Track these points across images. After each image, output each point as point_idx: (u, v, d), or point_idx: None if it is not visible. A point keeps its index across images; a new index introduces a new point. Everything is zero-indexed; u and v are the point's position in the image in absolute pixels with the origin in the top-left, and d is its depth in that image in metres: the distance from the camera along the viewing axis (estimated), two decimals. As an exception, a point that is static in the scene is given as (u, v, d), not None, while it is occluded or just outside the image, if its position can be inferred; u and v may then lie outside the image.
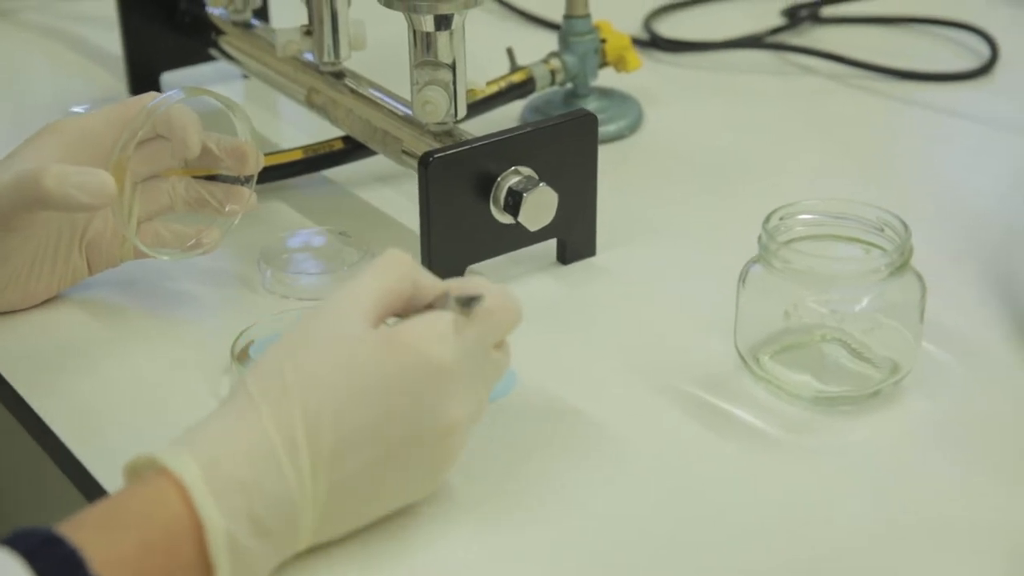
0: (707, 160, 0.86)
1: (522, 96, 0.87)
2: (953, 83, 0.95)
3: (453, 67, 0.72)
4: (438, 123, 0.73)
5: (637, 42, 1.00)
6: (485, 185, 0.70)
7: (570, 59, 0.87)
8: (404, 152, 0.74)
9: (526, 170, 0.70)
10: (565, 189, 0.72)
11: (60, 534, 0.50)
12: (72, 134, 0.69)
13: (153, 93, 0.70)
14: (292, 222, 0.79)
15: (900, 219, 0.63)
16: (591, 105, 0.88)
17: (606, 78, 0.92)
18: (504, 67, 0.88)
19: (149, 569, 0.51)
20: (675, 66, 0.99)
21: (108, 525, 0.51)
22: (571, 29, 0.87)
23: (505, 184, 0.69)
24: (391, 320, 0.57)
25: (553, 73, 0.87)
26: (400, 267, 0.58)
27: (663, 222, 0.78)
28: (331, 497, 0.54)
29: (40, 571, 0.49)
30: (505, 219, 0.70)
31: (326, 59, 0.80)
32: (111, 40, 0.97)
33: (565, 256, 0.75)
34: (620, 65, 0.89)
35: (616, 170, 0.83)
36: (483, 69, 0.88)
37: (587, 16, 0.87)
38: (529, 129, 0.71)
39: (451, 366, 0.55)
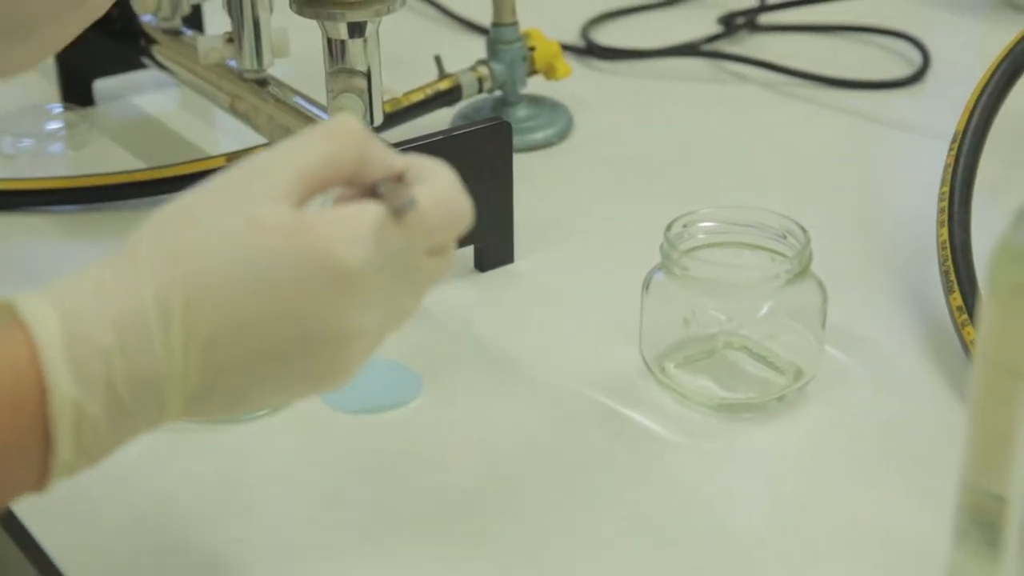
0: (634, 168, 0.86)
1: (450, 104, 0.88)
2: (885, 90, 0.95)
3: (368, 74, 0.72)
4: (355, 130, 0.73)
5: (573, 49, 1.00)
6: (401, 192, 0.70)
7: (498, 67, 0.88)
8: (321, 159, 0.74)
9: (440, 177, 0.70)
10: (481, 196, 0.71)
11: None
12: None
13: None
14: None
15: (800, 226, 0.63)
16: (520, 113, 0.89)
17: (538, 86, 0.92)
18: (432, 71, 0.88)
19: None
20: (611, 74, 1.00)
21: None
22: (499, 37, 0.87)
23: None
24: (321, 198, 0.51)
25: (480, 81, 0.87)
26: (345, 136, 0.51)
27: (584, 229, 0.79)
28: (203, 381, 0.48)
29: None
30: (417, 226, 0.70)
31: (249, 66, 0.80)
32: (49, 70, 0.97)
33: (482, 263, 0.75)
34: (550, 73, 0.90)
35: (542, 177, 0.83)
36: (414, 74, 0.89)
37: (515, 24, 0.88)
38: (442, 136, 0.71)
39: (360, 272, 0.48)
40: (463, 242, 0.73)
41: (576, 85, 0.94)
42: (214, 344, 0.48)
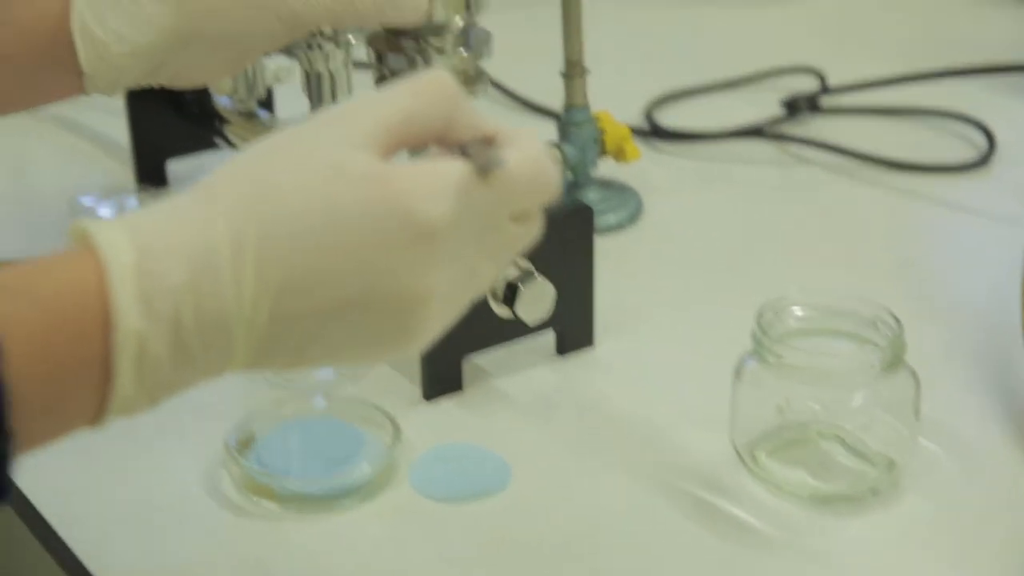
0: (706, 251, 0.86)
1: (522, 186, 0.88)
2: (951, 174, 0.95)
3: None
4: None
5: (637, 131, 1.00)
6: (483, 277, 0.70)
7: (570, 149, 0.88)
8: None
9: (523, 262, 0.70)
10: (562, 281, 0.72)
11: None
12: None
13: None
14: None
15: (893, 314, 0.63)
16: (591, 195, 0.89)
17: (605, 168, 0.92)
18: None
19: (50, 352, 0.45)
20: (675, 156, 1.00)
21: (20, 294, 0.45)
22: (571, 119, 0.88)
23: (502, 278, 0.70)
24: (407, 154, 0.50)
25: (553, 164, 0.88)
26: (437, 92, 0.49)
27: (662, 313, 0.79)
28: (270, 330, 0.47)
29: None
30: (503, 312, 0.70)
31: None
32: (118, 128, 0.98)
33: (563, 347, 0.75)
34: (619, 156, 0.90)
35: (615, 260, 0.83)
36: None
37: (586, 106, 0.88)
38: (526, 222, 0.71)
39: (438, 229, 0.47)
40: (545, 325, 0.73)
41: (641, 167, 0.94)
42: (284, 290, 0.47)
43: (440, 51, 0.71)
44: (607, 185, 0.91)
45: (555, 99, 0.90)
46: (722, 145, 1.01)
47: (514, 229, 0.51)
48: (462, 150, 0.49)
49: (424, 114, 0.49)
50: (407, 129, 0.49)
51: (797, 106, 1.03)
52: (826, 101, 1.05)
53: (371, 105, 0.49)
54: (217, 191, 0.47)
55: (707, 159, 0.99)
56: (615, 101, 0.94)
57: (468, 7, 0.72)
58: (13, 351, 0.44)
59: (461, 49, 0.72)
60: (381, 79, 0.72)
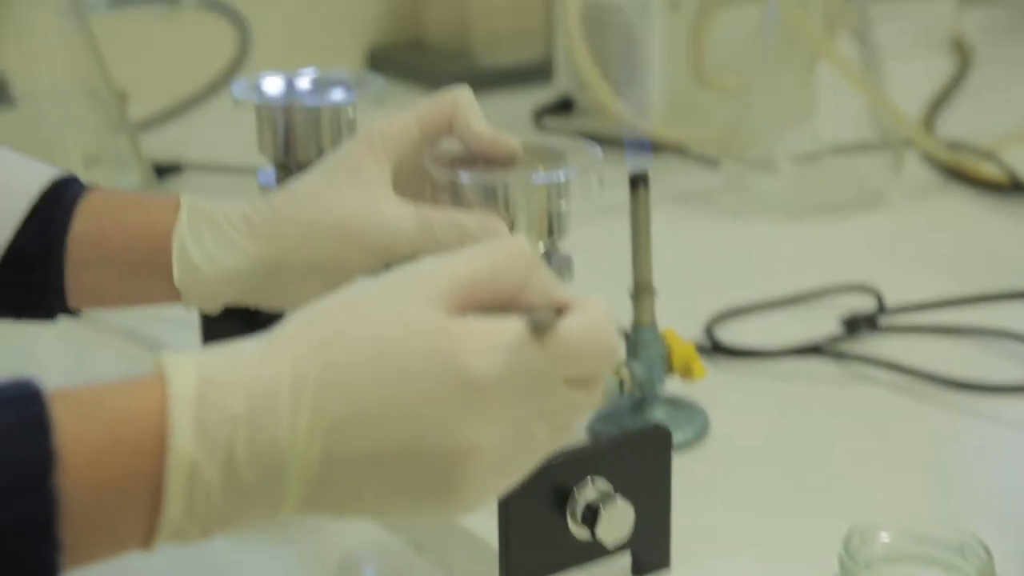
0: (776, 471, 0.86)
1: (590, 403, 0.89)
2: (1017, 395, 0.96)
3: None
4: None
5: (699, 348, 1.01)
6: (560, 496, 0.70)
7: (638, 367, 0.89)
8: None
9: (602, 483, 0.71)
10: (639, 502, 0.72)
11: (43, 395, 0.47)
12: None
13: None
14: (365, 531, 0.79)
15: (981, 541, 0.63)
16: (658, 413, 0.90)
17: (670, 384, 0.93)
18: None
19: (106, 468, 0.47)
20: (737, 373, 1.01)
21: (85, 410, 0.47)
22: (638, 338, 0.89)
23: (582, 499, 0.70)
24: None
25: (622, 382, 0.89)
26: (517, 256, 0.52)
27: (737, 534, 0.78)
28: (322, 470, 0.49)
29: (2, 422, 0.45)
30: (582, 533, 0.70)
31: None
32: (191, 341, 0.99)
33: (639, 568, 0.74)
34: (686, 374, 0.91)
35: (686, 480, 0.83)
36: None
37: (654, 325, 0.89)
38: (605, 442, 0.72)
39: (488, 384, 0.48)
40: (622, 546, 0.73)
41: (704, 384, 0.95)
42: (336, 431, 0.48)
43: None
44: (673, 403, 0.92)
45: (621, 317, 0.92)
46: (783, 362, 1.01)
47: (569, 394, 0.51)
48: (526, 312, 0.50)
49: (498, 276, 0.51)
50: (480, 289, 0.51)
51: (856, 325, 1.04)
52: (885, 320, 1.06)
53: (447, 264, 0.51)
54: (287, 334, 0.50)
55: (768, 376, 1.00)
56: (675, 316, 0.95)
57: (551, 233, 0.73)
58: (69, 462, 0.46)
59: None
60: None
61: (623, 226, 0.87)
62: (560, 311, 0.51)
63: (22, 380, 0.48)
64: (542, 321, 0.49)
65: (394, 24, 1.91)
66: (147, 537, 0.48)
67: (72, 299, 0.73)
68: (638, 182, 0.85)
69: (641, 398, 0.90)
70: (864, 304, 1.08)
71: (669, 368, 0.91)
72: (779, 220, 1.30)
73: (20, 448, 0.46)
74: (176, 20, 1.40)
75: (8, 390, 0.47)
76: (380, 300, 0.51)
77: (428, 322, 0.49)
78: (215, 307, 0.73)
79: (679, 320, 0.96)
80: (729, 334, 1.05)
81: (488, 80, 1.69)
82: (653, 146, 1.10)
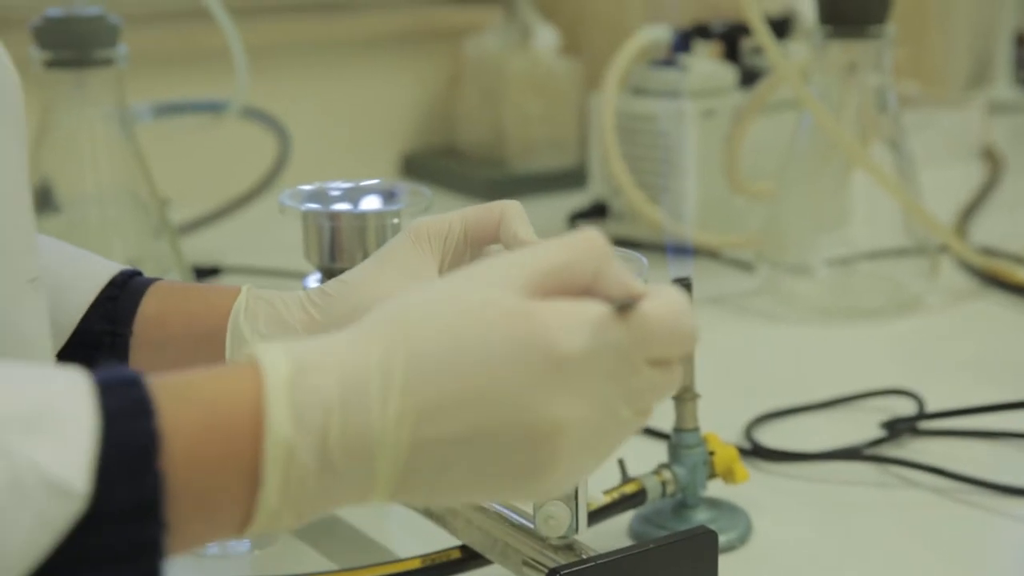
0: (817, 573, 0.86)
1: (634, 506, 0.89)
2: (1058, 498, 0.96)
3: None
4: (560, 536, 0.74)
5: (740, 451, 1.01)
6: (606, 599, 0.71)
7: (680, 471, 0.89)
8: (525, 564, 0.75)
9: (648, 586, 0.71)
10: (685, 605, 0.72)
11: (144, 380, 0.47)
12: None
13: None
14: None
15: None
16: (701, 516, 0.90)
17: (713, 487, 0.93)
18: (615, 476, 0.90)
19: (205, 451, 0.47)
20: (778, 475, 1.01)
21: (183, 395, 0.48)
22: (681, 441, 0.89)
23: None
24: None
25: (664, 484, 0.89)
26: (591, 247, 0.53)
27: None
28: (412, 455, 0.50)
29: (106, 407, 0.46)
30: (629, 636, 0.70)
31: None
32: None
33: (685, 674, 0.74)
34: (728, 477, 0.91)
35: (729, 583, 0.83)
36: (595, 477, 0.90)
37: (696, 429, 0.90)
38: (652, 546, 0.72)
39: (574, 361, 0.50)
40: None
41: (746, 486, 0.95)
42: (427, 414, 0.49)
43: None
44: (716, 505, 0.92)
45: (664, 421, 0.92)
46: (824, 465, 1.01)
47: (651, 374, 0.53)
48: (605, 298, 0.52)
49: (575, 266, 0.53)
50: (558, 278, 0.52)
51: (897, 428, 1.04)
52: (925, 424, 1.06)
53: (524, 255, 0.53)
54: (374, 323, 0.51)
55: (809, 479, 1.00)
56: (714, 419, 0.96)
57: None
58: (171, 445, 0.47)
59: None
60: None
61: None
62: (633, 297, 0.53)
63: (118, 368, 0.49)
64: (626, 301, 0.51)
65: (429, 131, 1.94)
66: (243, 522, 0.49)
67: None
68: (681, 287, 0.86)
69: (682, 500, 0.90)
70: (901, 408, 1.08)
71: (712, 472, 0.91)
72: (815, 324, 1.31)
73: (126, 430, 0.47)
74: (218, 128, 1.43)
75: (108, 376, 0.48)
76: (462, 288, 0.52)
77: (511, 305, 0.51)
78: None
79: (719, 423, 0.96)
80: (770, 437, 1.06)
81: (522, 185, 1.71)
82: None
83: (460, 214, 0.73)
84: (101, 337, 0.73)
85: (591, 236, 0.54)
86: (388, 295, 0.68)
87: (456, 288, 0.53)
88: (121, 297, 0.74)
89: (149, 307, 0.74)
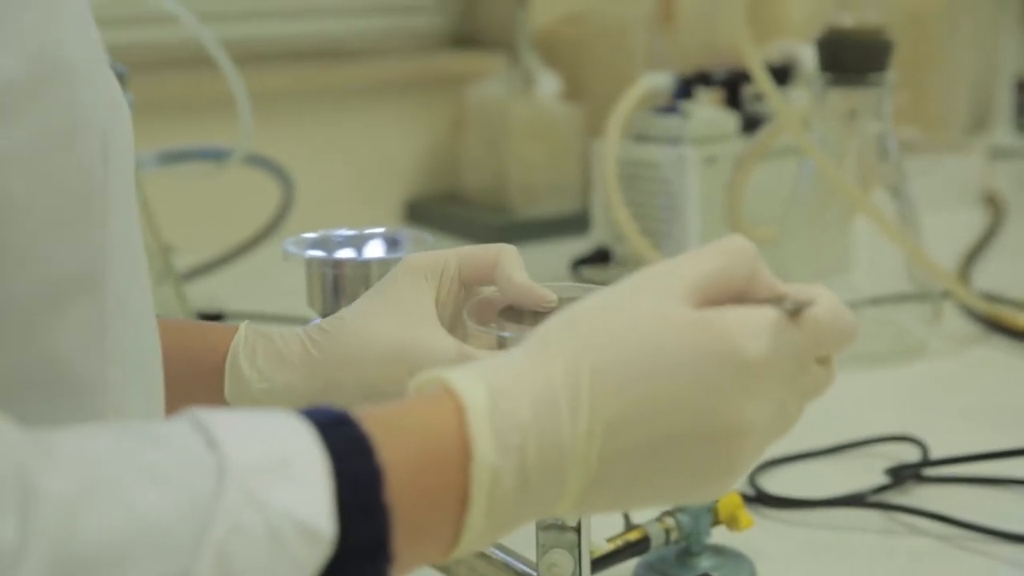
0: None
1: (636, 554, 0.89)
2: (1063, 545, 0.95)
3: (578, 529, 0.74)
4: (563, 585, 0.74)
5: (744, 497, 1.01)
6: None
7: (684, 518, 0.89)
8: (529, 613, 0.75)
9: (653, 635, 0.71)
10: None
11: (353, 416, 0.49)
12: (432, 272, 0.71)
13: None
14: None
15: None
16: (705, 563, 0.89)
17: (717, 534, 0.93)
18: (618, 523, 0.89)
19: (419, 481, 0.49)
20: (782, 522, 1.01)
21: (390, 428, 0.50)
22: (684, 488, 0.89)
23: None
24: None
25: (668, 532, 0.89)
26: (743, 253, 0.55)
27: None
28: (601, 466, 0.51)
29: (330, 447, 0.48)
30: None
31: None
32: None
33: None
34: (732, 524, 0.91)
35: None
36: (596, 521, 0.90)
37: (699, 476, 0.90)
38: (656, 594, 0.72)
39: (760, 364, 0.52)
40: None
41: (750, 532, 0.95)
42: (615, 427, 0.51)
43: None
44: (720, 552, 0.92)
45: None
46: (828, 512, 1.01)
47: (817, 372, 0.55)
48: (768, 302, 0.54)
49: (731, 271, 0.55)
50: (717, 284, 0.54)
51: (901, 475, 1.04)
52: (930, 471, 1.06)
53: (686, 263, 0.55)
54: (550, 339, 0.53)
55: (814, 526, 1.00)
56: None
57: None
58: (391, 481, 0.49)
59: None
60: None
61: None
62: (785, 299, 0.55)
63: (319, 407, 0.50)
64: (798, 304, 0.53)
65: (433, 177, 1.95)
66: (448, 546, 0.51)
67: None
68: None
69: (686, 547, 0.90)
70: (905, 454, 1.08)
71: (715, 519, 0.91)
72: (818, 370, 1.30)
73: (354, 469, 0.48)
74: (222, 175, 1.43)
75: (320, 416, 0.50)
76: (632, 300, 0.54)
77: (686, 315, 0.53)
78: None
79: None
80: (773, 483, 1.05)
81: (525, 231, 1.71)
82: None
83: (455, 252, 0.73)
84: None
85: (742, 242, 0.56)
86: (385, 331, 0.70)
87: (625, 300, 0.54)
88: None
89: None
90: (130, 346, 0.58)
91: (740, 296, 0.55)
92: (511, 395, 0.51)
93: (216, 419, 0.49)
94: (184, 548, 0.45)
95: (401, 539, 0.49)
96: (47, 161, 0.52)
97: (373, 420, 0.50)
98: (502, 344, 0.72)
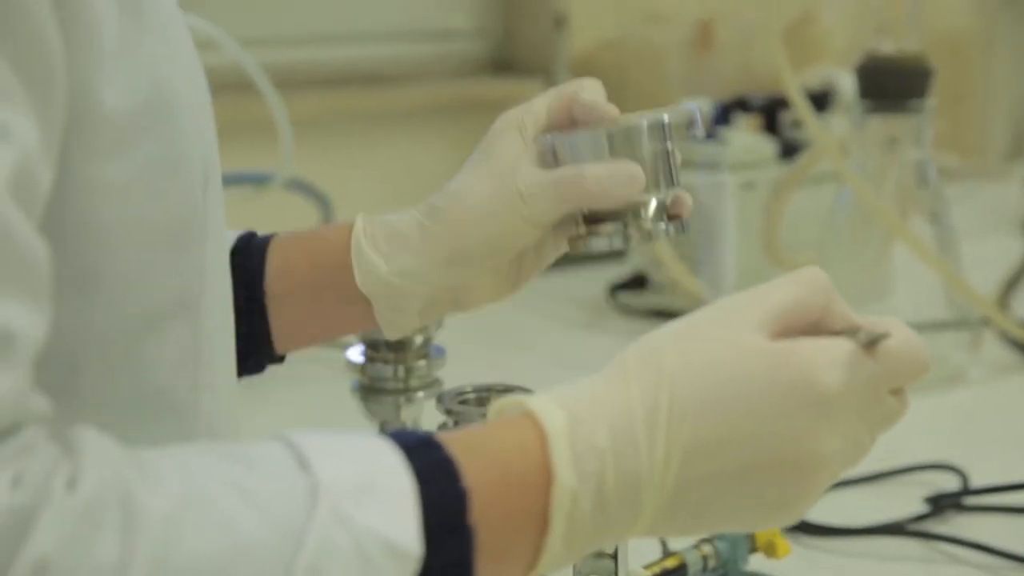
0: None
1: (675, 580, 0.88)
2: (1104, 576, 0.94)
3: (615, 556, 0.74)
4: (601, 611, 0.74)
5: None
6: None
7: (721, 545, 0.89)
8: (566, 639, 0.75)
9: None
10: None
11: (438, 439, 0.51)
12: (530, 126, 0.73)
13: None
14: None
15: None
16: (742, 592, 0.89)
17: (754, 561, 0.92)
18: (655, 550, 0.89)
19: (501, 504, 0.51)
20: (820, 550, 1.00)
21: (474, 451, 0.52)
22: (722, 515, 0.89)
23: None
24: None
25: (705, 559, 0.88)
26: (818, 284, 0.56)
27: None
28: (676, 492, 0.53)
29: (416, 470, 0.50)
30: None
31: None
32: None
33: None
34: (770, 551, 0.91)
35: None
36: (634, 547, 0.90)
37: (737, 503, 0.89)
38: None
39: (837, 396, 0.53)
40: None
41: (786, 561, 0.94)
42: (692, 454, 0.52)
43: (642, 228, 0.73)
44: (757, 581, 0.91)
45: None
46: (866, 541, 1.01)
47: (891, 402, 0.56)
48: (843, 334, 0.55)
49: (807, 302, 0.56)
50: (793, 315, 0.55)
51: (941, 504, 1.04)
52: (970, 500, 1.05)
53: (764, 293, 0.56)
54: (629, 366, 0.54)
55: (852, 554, 0.99)
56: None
57: (670, 176, 0.74)
58: (475, 503, 0.51)
59: (663, 224, 0.74)
60: None
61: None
62: (860, 330, 0.56)
63: (400, 431, 0.54)
64: (874, 336, 0.54)
65: (470, 202, 1.95)
66: (527, 567, 0.53)
67: (277, 342, 0.78)
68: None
69: (724, 575, 0.90)
70: (944, 482, 1.08)
71: (753, 546, 0.91)
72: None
73: (440, 491, 0.51)
74: (263, 200, 1.44)
75: (406, 439, 0.52)
76: (710, 330, 0.55)
77: (764, 346, 0.54)
78: (406, 323, 0.76)
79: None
80: (812, 511, 1.04)
81: (562, 257, 1.71)
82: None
83: (543, 97, 0.76)
84: (239, 303, 0.73)
85: (817, 274, 0.57)
86: (489, 188, 0.72)
87: (701, 329, 0.55)
88: (246, 260, 0.76)
89: (274, 262, 0.77)
90: (219, 372, 0.60)
91: (815, 327, 0.56)
92: (589, 422, 0.52)
93: (307, 440, 0.51)
94: (279, 566, 0.47)
95: (483, 559, 0.51)
96: (155, 189, 0.55)
97: (457, 444, 0.52)
98: (577, 150, 0.72)
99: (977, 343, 1.35)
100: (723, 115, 1.51)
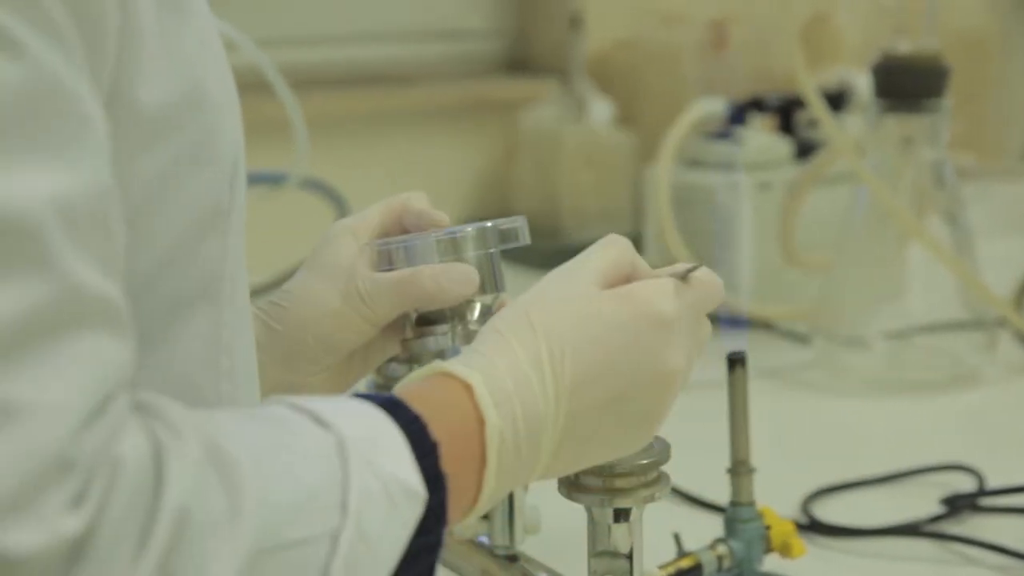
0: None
1: (689, 581, 0.88)
2: (1122, 577, 0.94)
3: (630, 556, 0.74)
4: (616, 611, 0.74)
5: (796, 525, 1.01)
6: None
7: (736, 545, 0.89)
8: (581, 639, 0.75)
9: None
10: None
11: (402, 399, 0.59)
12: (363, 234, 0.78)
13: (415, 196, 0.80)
14: None
15: None
16: (756, 593, 0.89)
17: (769, 562, 0.92)
18: (670, 550, 0.89)
19: (452, 451, 0.58)
20: (835, 551, 1.00)
21: (425, 407, 0.59)
22: (737, 516, 0.89)
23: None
24: None
25: (720, 559, 0.88)
26: (623, 245, 0.67)
27: None
28: (566, 426, 0.62)
29: (402, 425, 0.57)
30: None
31: (500, 542, 0.83)
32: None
33: None
34: (785, 551, 0.90)
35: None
36: (649, 548, 0.90)
37: (752, 503, 0.89)
38: (709, 622, 0.72)
39: (673, 319, 0.63)
40: None
41: (802, 561, 0.94)
42: (576, 387, 0.62)
43: (468, 331, 0.77)
44: (772, 582, 0.91)
45: (720, 494, 0.92)
46: (882, 541, 1.00)
47: (705, 323, 0.67)
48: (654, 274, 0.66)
49: (620, 260, 0.66)
50: (613, 271, 0.66)
51: (957, 505, 1.03)
52: (986, 500, 1.05)
53: (586, 259, 0.66)
54: (503, 330, 0.63)
55: (867, 555, 0.99)
56: (770, 493, 0.95)
57: (494, 280, 0.77)
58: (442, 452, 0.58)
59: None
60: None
61: (717, 402, 0.88)
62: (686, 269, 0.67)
63: (367, 393, 0.61)
64: (686, 270, 0.66)
65: (484, 202, 1.95)
66: (470, 506, 0.60)
67: None
68: (736, 362, 0.86)
69: (739, 575, 0.90)
70: (960, 483, 1.07)
71: (768, 546, 0.90)
72: (871, 397, 1.30)
73: (421, 442, 0.57)
74: (278, 199, 1.44)
75: (377, 399, 0.59)
76: (557, 289, 0.65)
77: (606, 292, 0.64)
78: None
79: (775, 497, 0.96)
80: (826, 512, 1.05)
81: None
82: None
83: (375, 208, 0.80)
84: None
85: (619, 238, 0.67)
86: (327, 289, 0.77)
87: (552, 289, 0.65)
88: None
89: None
90: (239, 359, 0.64)
91: (629, 279, 0.66)
92: (494, 373, 0.61)
93: (307, 403, 0.57)
94: (334, 509, 0.54)
95: (450, 503, 0.58)
96: (186, 181, 0.59)
97: (414, 401, 0.59)
98: (412, 254, 0.76)
99: (993, 343, 1.34)
100: (739, 115, 1.51)
